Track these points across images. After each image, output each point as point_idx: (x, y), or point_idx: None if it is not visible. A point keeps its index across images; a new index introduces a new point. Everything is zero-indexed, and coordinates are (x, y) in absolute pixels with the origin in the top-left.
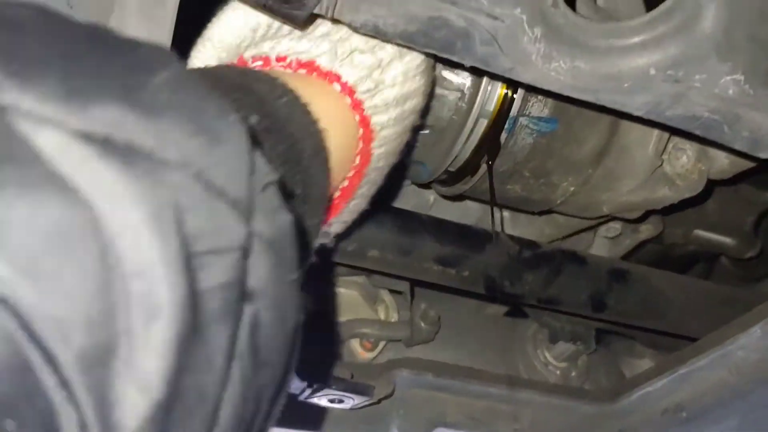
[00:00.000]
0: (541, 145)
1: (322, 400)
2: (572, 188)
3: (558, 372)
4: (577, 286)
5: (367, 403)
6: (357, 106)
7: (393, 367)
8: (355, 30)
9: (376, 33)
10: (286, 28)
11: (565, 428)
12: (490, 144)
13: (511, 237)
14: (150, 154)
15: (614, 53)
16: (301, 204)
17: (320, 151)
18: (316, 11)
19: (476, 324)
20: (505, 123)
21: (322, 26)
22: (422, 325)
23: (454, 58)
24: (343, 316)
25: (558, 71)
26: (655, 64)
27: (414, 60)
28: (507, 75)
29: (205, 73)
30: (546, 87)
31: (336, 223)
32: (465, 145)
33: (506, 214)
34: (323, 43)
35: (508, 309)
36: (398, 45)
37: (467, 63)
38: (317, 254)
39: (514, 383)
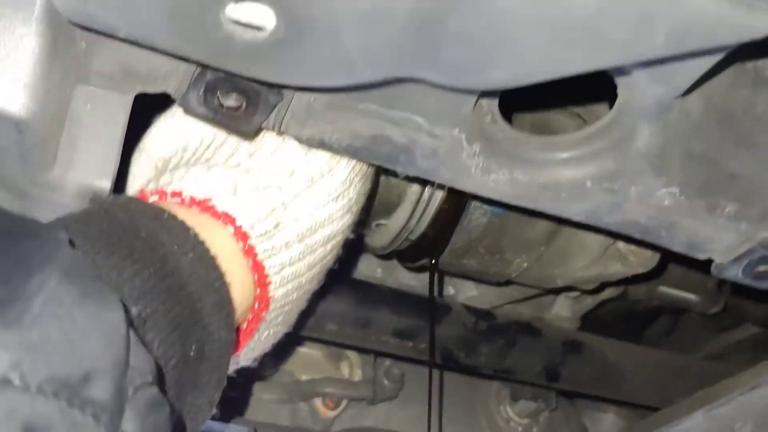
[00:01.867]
0: (494, 225)
1: None
2: (525, 264)
3: (520, 429)
4: (531, 357)
5: None
6: (249, 251)
7: None
8: (301, 142)
9: (322, 146)
10: (209, 152)
11: None
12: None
13: (468, 308)
14: (10, 380)
15: (551, 165)
16: (197, 362)
17: (223, 307)
18: (263, 125)
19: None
20: (461, 203)
21: (237, 155)
22: (386, 382)
23: (398, 170)
24: (306, 375)
25: (497, 182)
26: (591, 177)
27: (327, 187)
28: (449, 185)
29: (111, 224)
30: (487, 195)
31: (244, 356)
32: (418, 224)
33: None
34: (230, 176)
35: None
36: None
37: (410, 173)
38: None
39: None
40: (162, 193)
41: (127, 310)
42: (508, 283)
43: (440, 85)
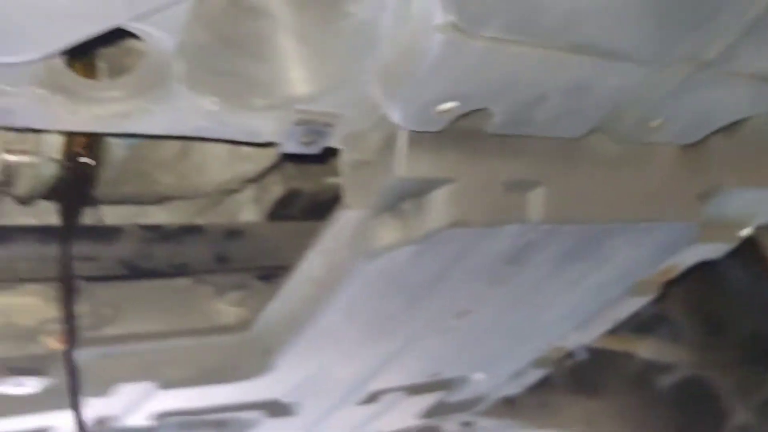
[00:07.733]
0: (133, 153)
1: None
2: (173, 181)
3: (233, 311)
4: (200, 250)
5: None
6: None
7: None
8: None
9: None
10: None
11: (222, 360)
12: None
13: (139, 225)
14: None
15: (116, 100)
16: None
17: None
18: None
19: (159, 298)
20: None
21: None
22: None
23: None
24: (31, 322)
25: (84, 118)
26: (149, 102)
27: None
28: (50, 128)
29: None
30: (82, 130)
31: None
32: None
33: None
34: None
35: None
36: None
37: (19, 125)
38: None
39: (155, 336)
40: None
41: None
42: (168, 198)
43: None
